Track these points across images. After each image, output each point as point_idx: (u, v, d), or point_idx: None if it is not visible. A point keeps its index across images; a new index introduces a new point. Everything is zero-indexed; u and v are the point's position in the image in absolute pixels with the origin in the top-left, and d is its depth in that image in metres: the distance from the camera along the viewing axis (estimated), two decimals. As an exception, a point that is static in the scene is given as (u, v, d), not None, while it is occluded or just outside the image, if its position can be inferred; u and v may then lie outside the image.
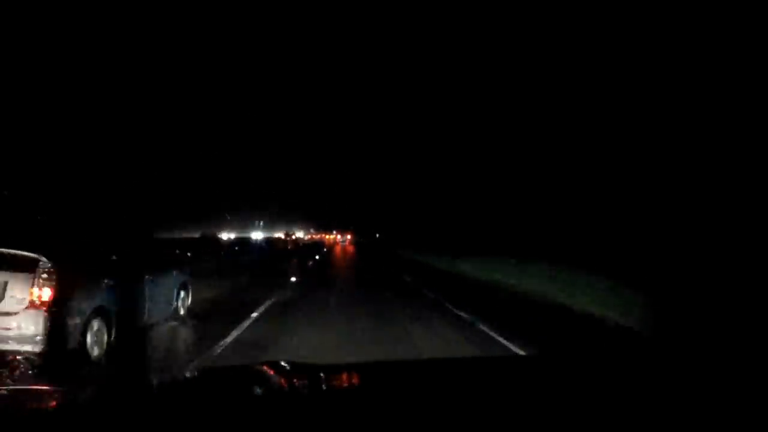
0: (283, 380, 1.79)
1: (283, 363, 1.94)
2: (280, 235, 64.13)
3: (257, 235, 47.91)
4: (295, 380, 1.79)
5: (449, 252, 28.93)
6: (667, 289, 10.93)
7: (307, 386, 1.73)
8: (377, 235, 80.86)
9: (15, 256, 5.23)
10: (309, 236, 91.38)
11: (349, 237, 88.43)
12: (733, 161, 15.83)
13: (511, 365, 2.61)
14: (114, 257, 6.47)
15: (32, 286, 5.14)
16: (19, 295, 5.13)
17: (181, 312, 8.58)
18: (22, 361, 4.94)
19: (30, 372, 4.64)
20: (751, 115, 15.28)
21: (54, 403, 1.51)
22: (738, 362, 2.26)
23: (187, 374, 2.36)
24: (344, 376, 1.99)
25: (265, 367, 1.89)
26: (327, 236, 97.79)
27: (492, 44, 31.76)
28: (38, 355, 5.04)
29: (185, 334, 7.87)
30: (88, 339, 5.54)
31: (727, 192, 15.44)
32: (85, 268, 5.75)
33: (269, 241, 45.72)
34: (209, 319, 8.83)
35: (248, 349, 6.59)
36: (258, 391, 1.67)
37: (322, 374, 1.88)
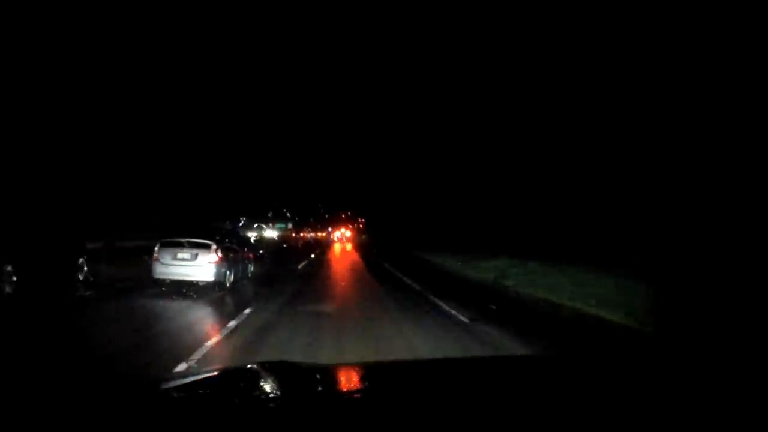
0: (283, 380, 1.80)
1: (283, 363, 2.04)
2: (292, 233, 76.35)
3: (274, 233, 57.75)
4: (295, 380, 1.84)
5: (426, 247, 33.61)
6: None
7: (307, 386, 1.80)
8: (369, 232, 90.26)
9: (202, 243, 13.04)
10: (312, 234, 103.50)
11: (349, 234, 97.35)
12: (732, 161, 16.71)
13: (515, 365, 2.64)
14: (232, 245, 14.34)
15: (209, 254, 12.91)
16: (204, 258, 12.88)
17: (249, 276, 16.42)
18: (204, 285, 12.76)
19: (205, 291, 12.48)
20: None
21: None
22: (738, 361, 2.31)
23: (188, 376, 2.50)
24: (345, 376, 2.07)
25: (265, 368, 1.92)
26: (321, 234, 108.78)
27: (494, 45, 31.05)
28: (212, 283, 12.85)
29: (254, 285, 15.62)
30: (227, 279, 13.37)
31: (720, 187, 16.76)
32: (225, 249, 13.54)
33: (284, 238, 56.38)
34: (262, 280, 16.62)
35: (281, 295, 14.39)
36: (258, 391, 1.70)
37: (322, 374, 2.01)
